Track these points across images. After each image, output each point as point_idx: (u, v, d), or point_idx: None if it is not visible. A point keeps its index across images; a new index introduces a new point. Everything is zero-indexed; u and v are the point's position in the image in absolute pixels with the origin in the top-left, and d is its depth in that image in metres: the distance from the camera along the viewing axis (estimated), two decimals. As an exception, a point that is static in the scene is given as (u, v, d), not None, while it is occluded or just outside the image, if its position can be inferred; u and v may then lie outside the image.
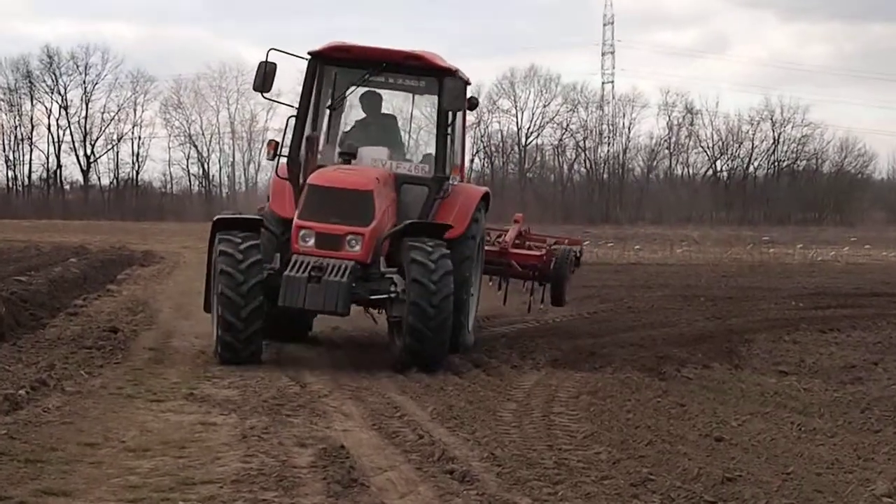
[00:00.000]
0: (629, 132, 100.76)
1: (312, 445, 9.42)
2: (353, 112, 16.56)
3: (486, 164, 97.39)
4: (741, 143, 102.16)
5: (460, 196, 15.90)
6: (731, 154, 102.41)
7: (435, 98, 15.87)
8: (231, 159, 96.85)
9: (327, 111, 15.89)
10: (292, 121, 15.56)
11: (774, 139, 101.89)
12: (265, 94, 15.31)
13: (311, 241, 14.22)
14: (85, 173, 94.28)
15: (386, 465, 8.93)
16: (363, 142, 15.81)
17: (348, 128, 16.49)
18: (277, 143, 15.50)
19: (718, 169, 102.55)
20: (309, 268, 13.94)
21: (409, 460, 9.09)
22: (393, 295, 14.17)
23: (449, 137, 15.77)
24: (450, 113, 15.62)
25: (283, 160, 15.47)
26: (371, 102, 16.41)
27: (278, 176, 15.45)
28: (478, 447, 9.63)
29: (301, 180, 14.78)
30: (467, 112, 16.92)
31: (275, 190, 15.57)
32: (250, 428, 10.07)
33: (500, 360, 15.40)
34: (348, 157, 15.26)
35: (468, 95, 16.33)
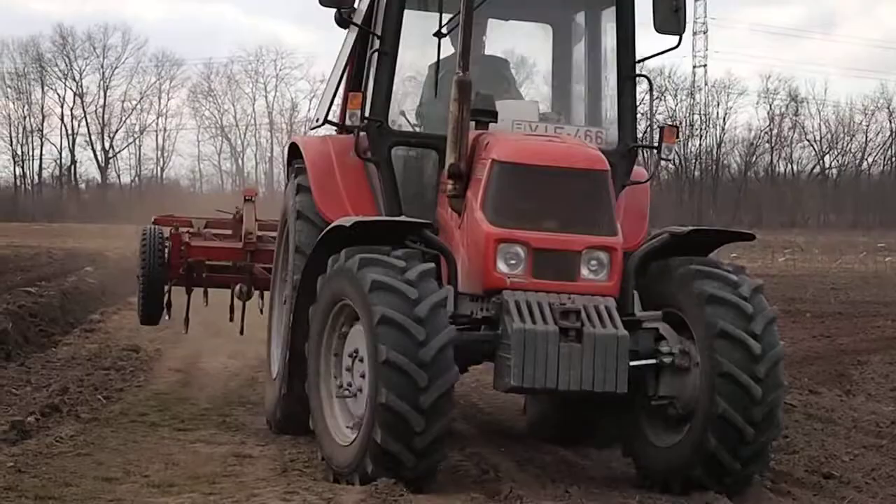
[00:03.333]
0: (724, 123, 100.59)
1: (361, 481, 9.44)
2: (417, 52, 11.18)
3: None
4: (853, 135, 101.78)
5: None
6: (842, 148, 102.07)
7: (608, 23, 11.46)
8: (269, 154, 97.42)
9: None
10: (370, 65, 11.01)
11: (892, 131, 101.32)
12: (344, 12, 10.93)
13: (522, 266, 9.57)
14: (103, 170, 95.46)
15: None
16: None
17: (423, 75, 11.46)
18: (364, 96, 10.78)
19: (827, 165, 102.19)
20: (555, 315, 9.26)
21: (472, 499, 9.08)
22: (667, 360, 9.55)
23: (640, 81, 11.70)
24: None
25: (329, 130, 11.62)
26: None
27: (359, 156, 10.80)
28: (551, 485, 9.61)
29: (445, 158, 9.98)
30: None
31: (321, 179, 10.98)
32: (291, 461, 10.09)
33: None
34: (486, 117, 10.32)
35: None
